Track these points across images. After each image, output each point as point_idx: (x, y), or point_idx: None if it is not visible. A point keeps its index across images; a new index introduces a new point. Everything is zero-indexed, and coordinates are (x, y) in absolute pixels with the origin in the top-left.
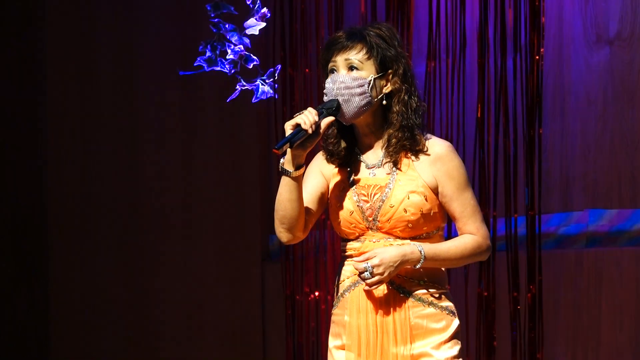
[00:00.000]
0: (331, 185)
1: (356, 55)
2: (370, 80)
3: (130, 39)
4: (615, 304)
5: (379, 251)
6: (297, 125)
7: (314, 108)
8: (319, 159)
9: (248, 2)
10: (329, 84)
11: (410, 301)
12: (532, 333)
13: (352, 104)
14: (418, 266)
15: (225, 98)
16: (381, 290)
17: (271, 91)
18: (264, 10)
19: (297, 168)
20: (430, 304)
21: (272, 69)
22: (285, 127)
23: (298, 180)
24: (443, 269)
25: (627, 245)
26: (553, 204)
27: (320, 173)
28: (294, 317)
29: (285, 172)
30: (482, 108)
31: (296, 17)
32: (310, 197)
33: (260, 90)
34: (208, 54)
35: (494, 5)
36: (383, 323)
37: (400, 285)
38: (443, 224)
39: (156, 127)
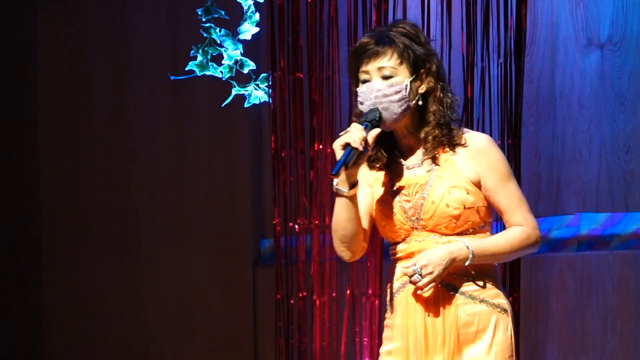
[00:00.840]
0: (375, 191)
1: (388, 62)
2: (407, 84)
3: (122, 44)
4: (606, 307)
5: (426, 252)
6: (347, 145)
7: (357, 122)
8: (361, 168)
9: (245, 8)
10: (364, 93)
11: (461, 299)
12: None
13: (391, 111)
14: (467, 263)
15: (217, 103)
16: (429, 290)
17: (265, 96)
18: (257, 15)
19: (351, 187)
20: (482, 300)
21: (266, 74)
22: (334, 147)
23: (354, 199)
24: (495, 264)
25: (618, 249)
26: (544, 207)
27: (365, 182)
28: (288, 321)
29: (341, 193)
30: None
31: (289, 22)
32: (362, 211)
33: (253, 95)
34: (199, 58)
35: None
36: (432, 323)
37: (449, 282)
38: (490, 218)
39: (148, 131)
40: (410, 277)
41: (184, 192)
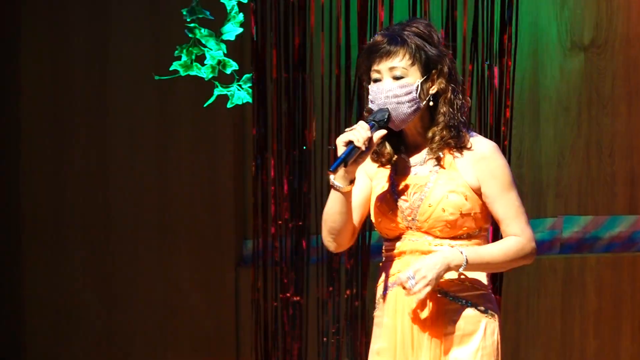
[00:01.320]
0: (374, 185)
1: (400, 62)
2: (418, 86)
3: (106, 43)
4: (589, 310)
5: (417, 262)
6: (350, 142)
7: (365, 121)
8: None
9: (228, 8)
10: (375, 93)
11: (449, 301)
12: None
13: (401, 112)
14: (461, 270)
15: (201, 103)
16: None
17: (247, 97)
18: (241, 15)
19: (349, 183)
20: (469, 304)
21: (248, 75)
22: (337, 142)
23: (348, 195)
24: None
25: (600, 252)
26: (527, 210)
27: (365, 174)
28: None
29: (338, 188)
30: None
31: (272, 23)
32: (358, 201)
33: (236, 95)
34: (184, 58)
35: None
36: (419, 324)
37: (438, 285)
38: (487, 225)
39: (130, 131)
40: (404, 287)
41: (167, 192)
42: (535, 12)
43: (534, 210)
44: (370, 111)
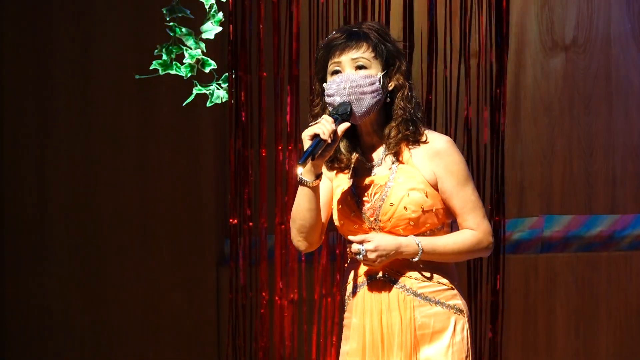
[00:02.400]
0: (335, 188)
1: (363, 53)
2: (380, 77)
3: (86, 42)
4: (570, 309)
5: (377, 237)
6: (316, 136)
7: (328, 114)
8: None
9: (207, 6)
10: (336, 84)
11: (417, 300)
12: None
13: (363, 104)
14: (416, 259)
15: (181, 102)
16: (386, 291)
17: (226, 96)
18: (220, 15)
19: (316, 178)
20: (437, 302)
21: (227, 73)
22: (302, 137)
23: (316, 190)
24: (454, 265)
25: (581, 251)
26: (508, 209)
27: (325, 176)
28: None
29: (305, 183)
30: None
31: (251, 21)
32: (323, 203)
33: (215, 94)
34: (164, 57)
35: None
36: (389, 324)
37: (405, 285)
38: (448, 220)
39: (111, 130)
40: (354, 253)
41: (148, 191)
42: (515, 12)
43: (515, 209)
44: (323, 111)
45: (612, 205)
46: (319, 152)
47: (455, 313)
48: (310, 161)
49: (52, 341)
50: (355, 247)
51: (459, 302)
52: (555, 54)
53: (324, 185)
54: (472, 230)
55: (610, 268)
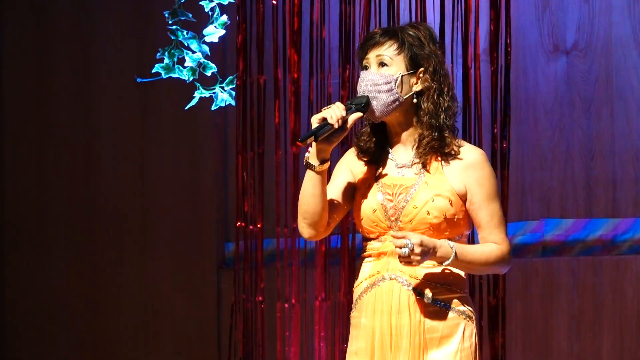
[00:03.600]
0: (358, 183)
1: (386, 50)
2: (398, 77)
3: (88, 45)
4: (570, 313)
5: (416, 234)
6: (324, 119)
7: (343, 103)
8: (350, 155)
9: (207, 10)
10: (360, 80)
11: (428, 304)
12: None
13: (380, 101)
14: (447, 263)
15: (183, 105)
16: (397, 292)
17: (230, 99)
18: (224, 18)
19: (322, 162)
20: (448, 307)
21: (231, 77)
22: (312, 120)
23: (322, 175)
24: (463, 273)
25: (582, 255)
26: (509, 213)
27: (349, 170)
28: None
29: (310, 166)
30: None
31: (255, 25)
32: (337, 194)
33: (219, 97)
34: (166, 61)
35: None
36: (398, 326)
37: (416, 287)
38: (467, 231)
39: (112, 133)
40: (398, 247)
41: (149, 194)
42: (516, 15)
43: (516, 213)
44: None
45: (613, 209)
46: (324, 135)
47: (464, 319)
48: (315, 143)
49: (52, 344)
50: (401, 241)
51: (469, 308)
52: (556, 58)
53: (345, 177)
54: (497, 245)
55: (610, 272)
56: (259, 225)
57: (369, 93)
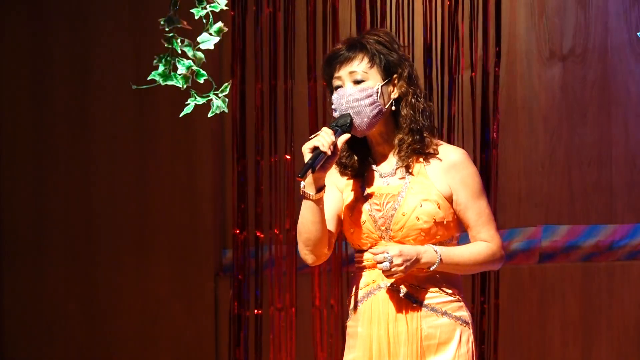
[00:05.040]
0: (345, 197)
1: (359, 66)
2: (378, 89)
3: (84, 52)
4: (567, 319)
5: (396, 245)
6: (315, 148)
7: (328, 127)
8: (332, 173)
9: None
10: (336, 99)
11: (424, 311)
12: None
13: (363, 116)
14: (433, 268)
15: (179, 112)
16: (394, 300)
17: (224, 106)
18: (219, 25)
19: (318, 190)
20: (444, 313)
21: (226, 84)
22: (303, 150)
23: (319, 203)
24: (460, 277)
25: (579, 261)
26: (506, 219)
27: (335, 187)
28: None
29: (308, 196)
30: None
31: (250, 32)
32: (330, 214)
33: (214, 105)
34: (162, 68)
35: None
36: (395, 334)
37: (412, 295)
38: (457, 233)
39: (110, 141)
40: (378, 262)
41: (146, 201)
42: (512, 22)
43: (513, 220)
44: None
45: (610, 215)
46: (320, 164)
47: (461, 324)
48: (311, 174)
49: (50, 350)
50: (380, 256)
51: (465, 313)
52: (553, 64)
53: (333, 196)
54: (487, 242)
55: (608, 278)
56: (257, 234)
57: (351, 109)
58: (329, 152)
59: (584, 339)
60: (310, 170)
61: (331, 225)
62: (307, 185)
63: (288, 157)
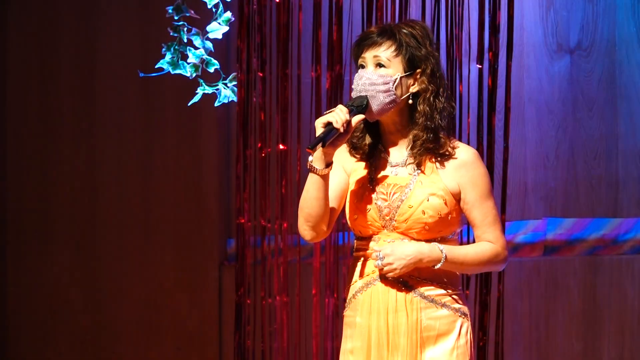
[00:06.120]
0: (351, 180)
1: (384, 52)
2: (396, 78)
3: (92, 40)
4: (571, 312)
5: (395, 244)
6: (329, 124)
7: (344, 105)
8: (341, 152)
9: (210, 7)
10: (355, 79)
11: (423, 302)
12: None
13: (378, 100)
14: (438, 266)
15: (186, 101)
16: (394, 291)
17: (233, 95)
18: (228, 14)
19: (326, 166)
20: (443, 305)
21: (234, 73)
22: (315, 124)
23: (326, 178)
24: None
25: (584, 254)
26: (511, 212)
27: (342, 168)
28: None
29: (314, 170)
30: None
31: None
32: (333, 193)
33: (222, 94)
34: (169, 56)
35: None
36: (395, 324)
37: (412, 286)
38: (459, 229)
39: (116, 129)
40: (373, 259)
41: (151, 191)
42: (520, 15)
43: (518, 213)
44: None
45: (615, 209)
46: (330, 140)
47: (460, 316)
48: (321, 148)
49: (54, 339)
50: (374, 254)
51: (464, 306)
52: (560, 58)
53: (339, 176)
54: (491, 243)
55: (612, 272)
56: (263, 223)
57: (365, 92)
58: (342, 130)
59: (588, 332)
60: (320, 144)
61: (334, 203)
62: (315, 159)
63: (282, 147)
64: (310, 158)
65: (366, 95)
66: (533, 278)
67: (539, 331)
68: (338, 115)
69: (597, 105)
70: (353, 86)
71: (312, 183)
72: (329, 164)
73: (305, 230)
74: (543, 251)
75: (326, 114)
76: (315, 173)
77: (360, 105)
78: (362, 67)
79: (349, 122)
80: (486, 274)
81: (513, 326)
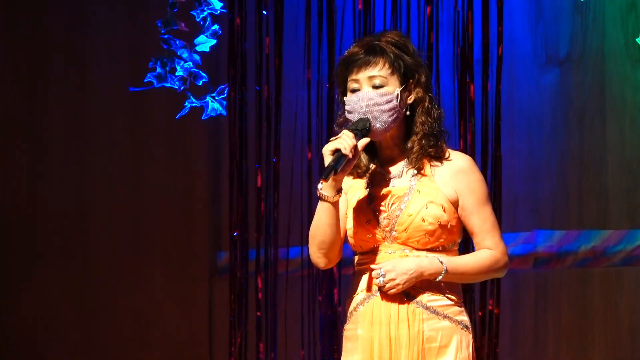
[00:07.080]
0: (349, 198)
1: (380, 71)
2: (398, 94)
3: (81, 54)
4: (561, 325)
5: (395, 260)
6: (337, 150)
7: (347, 129)
8: None
9: (198, 20)
10: (354, 102)
11: (425, 313)
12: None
13: (382, 120)
14: (439, 278)
15: (175, 114)
16: (396, 302)
17: (221, 108)
18: (215, 27)
19: (336, 192)
20: (446, 317)
21: (222, 86)
22: (323, 152)
23: (336, 205)
24: (459, 283)
25: (574, 267)
26: (500, 224)
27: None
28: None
29: (325, 198)
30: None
31: (246, 35)
32: (341, 218)
33: (210, 107)
34: (158, 70)
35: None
36: (397, 336)
37: (414, 296)
38: (459, 238)
39: (105, 142)
40: (376, 278)
41: (141, 203)
42: (509, 26)
43: (508, 225)
44: (344, 122)
45: (605, 221)
46: (341, 167)
47: (462, 329)
48: (332, 175)
49: (44, 353)
50: (375, 272)
51: (465, 318)
52: (549, 69)
53: (341, 199)
54: (490, 250)
55: (602, 284)
56: (255, 235)
57: (369, 114)
58: (351, 155)
59: (578, 344)
60: (332, 173)
61: (341, 225)
62: (325, 187)
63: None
64: (319, 186)
65: (368, 118)
66: (522, 290)
67: (529, 343)
68: (345, 142)
69: (586, 116)
70: (350, 108)
71: (323, 211)
72: (339, 191)
73: (318, 257)
74: (533, 263)
75: (331, 140)
76: (327, 201)
77: (364, 129)
78: (355, 89)
79: (355, 147)
80: (482, 288)
81: (502, 338)
